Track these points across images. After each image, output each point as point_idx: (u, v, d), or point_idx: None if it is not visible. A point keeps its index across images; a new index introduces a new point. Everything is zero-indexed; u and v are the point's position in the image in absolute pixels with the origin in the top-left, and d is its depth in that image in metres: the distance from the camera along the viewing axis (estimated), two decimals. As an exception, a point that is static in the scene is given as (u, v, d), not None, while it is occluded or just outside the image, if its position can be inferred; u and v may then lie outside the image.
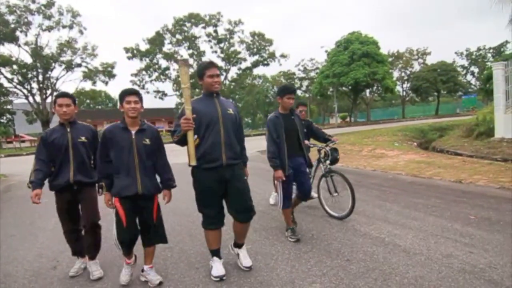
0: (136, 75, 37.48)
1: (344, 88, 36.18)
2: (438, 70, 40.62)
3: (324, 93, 38.18)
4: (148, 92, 38.00)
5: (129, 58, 36.24)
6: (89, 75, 33.68)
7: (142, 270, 2.71)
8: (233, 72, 40.96)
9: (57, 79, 33.04)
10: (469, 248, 2.95)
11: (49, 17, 30.53)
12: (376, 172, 7.38)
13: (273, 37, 46.07)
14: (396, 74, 42.32)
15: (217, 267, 2.71)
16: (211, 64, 2.67)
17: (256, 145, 12.72)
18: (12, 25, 28.90)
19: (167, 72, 37.97)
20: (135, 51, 35.90)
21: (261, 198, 5.20)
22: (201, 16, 35.66)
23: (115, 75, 34.69)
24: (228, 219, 2.80)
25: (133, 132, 2.56)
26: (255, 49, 37.84)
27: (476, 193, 4.91)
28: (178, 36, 36.48)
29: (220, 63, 37.77)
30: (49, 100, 31.82)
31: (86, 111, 45.78)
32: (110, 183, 2.56)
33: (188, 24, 35.94)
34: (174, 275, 2.80)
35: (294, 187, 3.92)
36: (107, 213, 2.81)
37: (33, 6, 29.74)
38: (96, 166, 2.74)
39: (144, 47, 36.04)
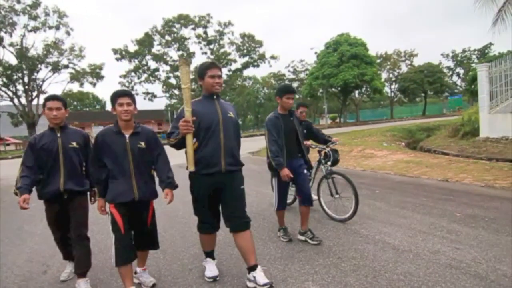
0: (125, 76, 36.98)
1: (333, 89, 36.55)
2: (425, 71, 41.50)
3: (314, 94, 38.48)
4: (137, 94, 37.49)
5: (117, 59, 35.74)
6: (77, 76, 33.05)
7: (135, 272, 2.70)
8: (223, 73, 40.59)
9: (43, 80, 32.34)
10: (456, 244, 3.04)
11: (34, 18, 29.83)
12: (365, 172, 7.50)
13: (263, 39, 46.14)
14: (384, 75, 43.01)
15: (211, 268, 2.72)
16: (213, 64, 2.56)
17: (247, 147, 12.75)
18: (-4, 26, 28.23)
19: (156, 73, 37.59)
20: (123, 52, 35.43)
21: (253, 200, 5.22)
22: (191, 17, 35.45)
23: (103, 77, 34.16)
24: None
25: (127, 136, 2.44)
26: (245, 51, 37.79)
27: (462, 191, 5.06)
28: (167, 37, 36.15)
29: (210, 64, 37.49)
30: (35, 102, 31.16)
31: (73, 113, 45.02)
32: (103, 189, 2.47)
33: (177, 25, 35.68)
34: (167, 276, 2.80)
35: (293, 188, 3.93)
36: (102, 227, 2.77)
37: (18, 7, 29.01)
38: (89, 171, 2.65)
39: (133, 48, 35.62)
